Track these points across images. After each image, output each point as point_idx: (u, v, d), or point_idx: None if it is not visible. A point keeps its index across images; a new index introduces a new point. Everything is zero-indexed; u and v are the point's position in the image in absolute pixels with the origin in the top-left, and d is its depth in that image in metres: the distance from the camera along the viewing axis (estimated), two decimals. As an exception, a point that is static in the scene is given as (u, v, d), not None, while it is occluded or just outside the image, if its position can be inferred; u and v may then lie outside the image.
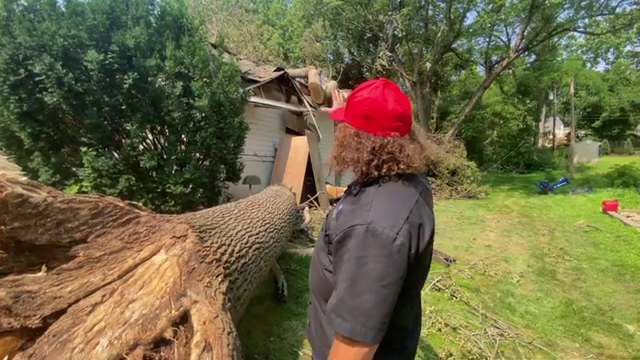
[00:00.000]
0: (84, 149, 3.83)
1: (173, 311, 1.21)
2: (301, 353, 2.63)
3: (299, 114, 9.63)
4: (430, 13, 17.11)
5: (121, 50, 3.78)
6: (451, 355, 2.65)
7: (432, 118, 22.18)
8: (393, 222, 0.86)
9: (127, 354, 1.04)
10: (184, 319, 1.22)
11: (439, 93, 24.21)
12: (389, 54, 16.56)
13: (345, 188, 1.13)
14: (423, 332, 2.97)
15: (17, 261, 1.31)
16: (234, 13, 17.17)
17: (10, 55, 3.53)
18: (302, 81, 10.37)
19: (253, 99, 7.14)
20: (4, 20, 3.67)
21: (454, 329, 3.03)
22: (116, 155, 4.09)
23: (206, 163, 4.76)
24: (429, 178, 11.76)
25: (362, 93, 0.98)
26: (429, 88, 19.90)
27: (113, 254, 1.42)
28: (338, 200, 1.15)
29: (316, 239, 1.22)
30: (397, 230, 0.85)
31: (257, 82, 8.03)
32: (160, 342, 1.12)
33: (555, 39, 16.80)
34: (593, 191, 11.76)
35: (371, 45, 19.66)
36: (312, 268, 1.16)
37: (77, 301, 1.22)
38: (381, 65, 16.25)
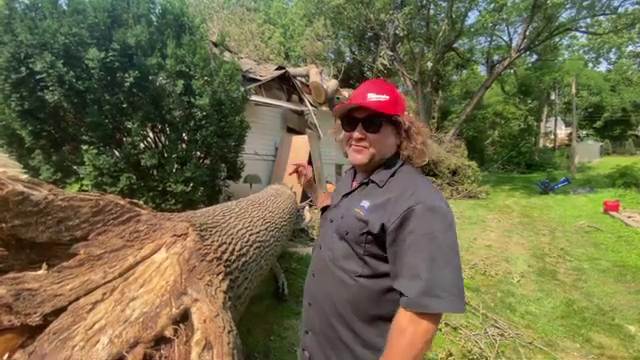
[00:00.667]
0: (85, 147, 3.83)
1: (174, 309, 1.21)
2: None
3: (300, 113, 9.63)
4: (432, 12, 17.08)
5: (122, 48, 3.77)
6: (451, 355, 2.65)
7: (433, 118, 22.15)
8: (439, 197, 0.96)
9: (127, 352, 1.04)
10: (185, 317, 1.22)
11: (440, 93, 24.18)
12: (390, 53, 16.54)
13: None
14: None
15: (18, 259, 1.31)
16: (235, 11, 17.15)
17: (12, 53, 3.53)
18: (303, 80, 10.37)
19: (254, 98, 7.13)
20: (6, 18, 3.67)
21: (454, 329, 3.03)
22: (117, 153, 4.09)
23: (207, 162, 4.75)
24: (429, 178, 11.74)
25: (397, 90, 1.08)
26: (430, 88, 19.86)
27: (114, 252, 1.42)
28: (345, 197, 1.14)
29: (315, 238, 1.27)
30: (445, 203, 0.94)
31: (258, 81, 8.02)
32: (161, 340, 1.12)
33: (557, 39, 16.75)
34: (594, 191, 11.74)
35: (372, 44, 19.63)
36: (328, 287, 1.04)
37: (78, 299, 1.22)
38: (382, 64, 16.23)
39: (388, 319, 0.92)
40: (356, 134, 1.05)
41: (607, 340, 3.10)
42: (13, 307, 1.14)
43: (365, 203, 1.01)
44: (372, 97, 1.02)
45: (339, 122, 1.13)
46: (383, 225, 0.94)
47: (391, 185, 1.01)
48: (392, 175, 1.04)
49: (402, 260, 0.90)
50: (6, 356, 1.12)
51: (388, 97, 1.03)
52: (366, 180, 1.09)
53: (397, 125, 1.05)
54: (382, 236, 0.95)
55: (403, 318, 0.87)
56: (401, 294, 0.89)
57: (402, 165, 1.06)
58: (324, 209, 1.25)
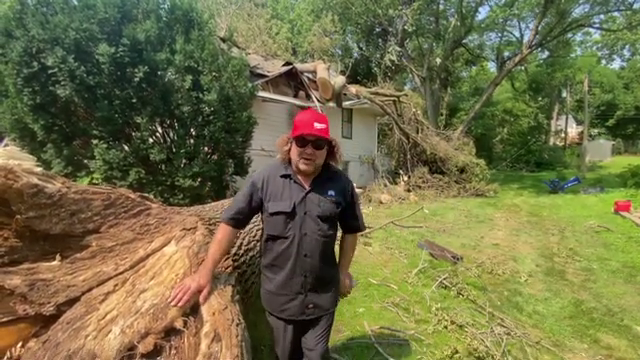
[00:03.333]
0: (95, 142, 3.89)
1: (183, 302, 1.23)
2: (307, 347, 2.65)
3: (307, 109, 9.61)
4: (441, 7, 16.86)
5: (132, 44, 3.81)
6: (457, 352, 2.64)
7: (441, 115, 21.95)
8: None
9: (139, 342, 1.06)
10: (194, 310, 1.23)
11: (449, 89, 23.91)
12: (398, 49, 16.39)
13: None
14: (429, 329, 2.97)
15: (32, 250, 1.34)
16: (243, 7, 17.12)
17: (24, 48, 3.58)
18: (310, 76, 10.33)
19: (261, 94, 7.14)
20: (18, 13, 3.73)
21: (460, 327, 3.02)
22: (126, 148, 4.14)
23: (214, 157, 4.79)
24: (437, 175, 11.66)
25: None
26: (439, 84, 19.65)
27: (125, 245, 1.44)
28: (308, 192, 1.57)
29: (280, 233, 1.55)
30: None
31: (265, 77, 8.02)
32: (171, 331, 1.14)
33: (569, 35, 16.42)
34: (605, 191, 11.55)
35: (380, 40, 19.46)
36: (317, 247, 1.54)
37: (90, 290, 1.24)
38: (390, 60, 16.10)
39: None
40: (309, 151, 1.48)
41: (615, 341, 3.06)
42: (28, 297, 1.17)
43: (331, 192, 1.58)
44: (317, 125, 1.47)
45: (284, 137, 1.58)
46: (348, 201, 1.64)
47: (336, 178, 1.63)
48: (335, 173, 1.64)
49: (356, 208, 1.71)
50: (20, 344, 1.15)
51: (325, 125, 1.49)
52: (319, 179, 1.58)
53: (329, 143, 1.56)
54: (345, 207, 1.62)
55: (355, 237, 1.79)
56: (353, 227, 1.73)
57: (332, 166, 1.65)
58: (277, 213, 1.53)
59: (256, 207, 1.56)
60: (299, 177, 1.56)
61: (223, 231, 1.51)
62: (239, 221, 1.54)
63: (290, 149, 1.55)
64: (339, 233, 1.73)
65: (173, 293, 1.25)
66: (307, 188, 1.55)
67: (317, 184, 1.56)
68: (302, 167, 1.51)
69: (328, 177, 1.60)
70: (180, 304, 1.21)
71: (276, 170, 1.58)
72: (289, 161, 1.57)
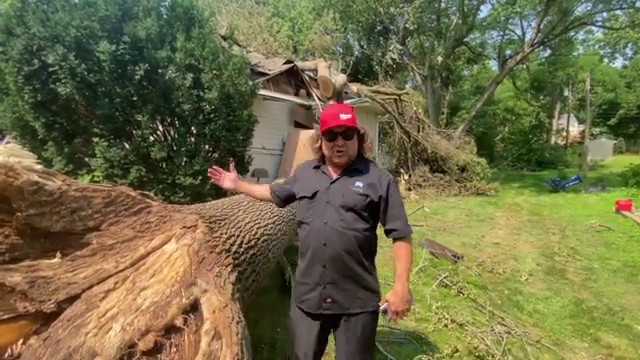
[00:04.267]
0: (96, 139, 3.89)
1: (183, 299, 1.23)
2: (307, 345, 2.65)
3: (308, 107, 9.60)
4: (443, 5, 16.80)
5: (132, 41, 3.79)
6: (457, 351, 2.64)
7: (442, 113, 21.89)
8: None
9: (139, 339, 1.06)
10: (194, 307, 1.23)
11: (450, 88, 23.84)
12: (400, 47, 16.35)
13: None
14: (429, 327, 2.97)
15: (32, 247, 1.34)
16: (244, 5, 17.07)
17: (24, 45, 3.57)
18: (311, 74, 10.31)
19: (262, 92, 7.13)
20: (18, 11, 3.71)
21: (460, 325, 3.02)
22: (127, 146, 4.13)
23: (215, 155, 4.78)
24: (437, 174, 11.64)
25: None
26: (440, 83, 19.60)
27: (125, 242, 1.44)
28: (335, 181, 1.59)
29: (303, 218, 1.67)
30: None
31: (266, 75, 8.01)
32: (171, 329, 1.14)
33: (572, 33, 16.34)
34: (606, 190, 11.52)
35: (381, 38, 19.39)
36: (338, 238, 1.49)
37: (91, 287, 1.24)
38: (391, 59, 16.05)
39: (374, 255, 1.63)
40: (339, 143, 1.53)
41: (616, 340, 3.06)
42: (28, 294, 1.17)
43: (359, 184, 1.54)
44: (343, 116, 1.50)
45: (313, 133, 1.69)
46: (380, 195, 1.55)
47: (367, 170, 1.59)
48: (367, 165, 1.62)
49: (390, 210, 1.57)
50: (21, 341, 1.16)
51: (350, 115, 1.52)
52: (347, 171, 1.59)
53: (358, 132, 1.59)
54: (378, 202, 1.55)
55: (402, 244, 1.56)
56: (392, 230, 1.56)
57: (365, 159, 1.66)
58: (302, 197, 1.63)
59: (293, 193, 1.72)
60: (328, 168, 1.63)
61: (265, 189, 1.86)
62: (276, 196, 1.80)
63: (321, 145, 1.62)
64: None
65: (216, 176, 1.93)
66: (333, 178, 1.58)
67: (345, 174, 1.58)
68: (336, 160, 1.56)
69: (358, 169, 1.59)
70: (218, 180, 1.90)
71: (311, 163, 1.72)
72: (322, 158, 1.66)
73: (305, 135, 8.50)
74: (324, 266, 1.51)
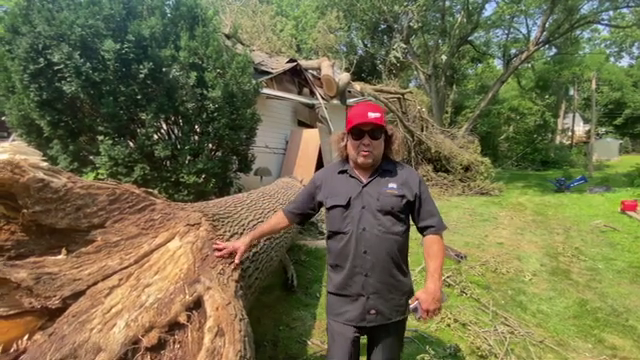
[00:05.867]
0: (101, 138, 3.91)
1: (187, 296, 1.24)
2: (309, 342, 2.66)
3: (311, 106, 9.59)
4: (447, 4, 16.70)
5: (137, 40, 3.81)
6: (460, 350, 2.64)
7: (446, 112, 21.79)
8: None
9: (143, 336, 1.07)
10: (197, 304, 1.24)
11: (454, 87, 23.72)
12: (404, 46, 16.28)
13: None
14: (432, 327, 2.97)
15: (38, 244, 1.35)
16: (247, 3, 17.07)
17: (30, 44, 3.60)
18: (315, 73, 10.30)
19: (265, 91, 7.13)
20: (24, 9, 3.74)
21: (463, 325, 3.01)
22: (131, 144, 4.16)
23: (218, 154, 4.79)
24: (441, 174, 11.60)
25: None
26: (444, 82, 19.51)
27: (129, 239, 1.45)
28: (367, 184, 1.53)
29: (325, 232, 1.65)
30: None
31: (270, 73, 8.01)
32: (174, 326, 1.15)
33: (578, 32, 16.19)
34: (612, 190, 11.40)
35: (385, 37, 19.32)
36: (378, 244, 1.45)
37: (95, 284, 1.25)
38: (395, 57, 16.00)
39: (408, 256, 1.58)
40: (366, 142, 1.46)
41: (620, 341, 3.04)
42: (34, 290, 1.19)
43: (392, 185, 1.50)
44: (371, 115, 1.43)
45: (339, 134, 1.61)
46: (415, 194, 1.50)
47: (397, 170, 1.55)
48: (395, 165, 1.58)
49: (425, 207, 1.52)
50: (26, 337, 1.17)
51: (379, 114, 1.45)
52: (377, 172, 1.53)
53: (385, 134, 1.53)
54: (414, 201, 1.50)
55: (435, 239, 1.51)
56: (428, 226, 1.52)
57: (391, 159, 1.59)
58: (334, 206, 1.54)
59: (315, 205, 1.63)
60: (356, 171, 1.54)
61: (278, 217, 1.69)
62: (295, 215, 1.67)
63: (346, 145, 1.55)
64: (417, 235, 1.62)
65: (218, 253, 1.52)
66: (364, 181, 1.51)
67: (375, 177, 1.52)
68: (361, 160, 1.48)
69: (387, 169, 1.53)
70: (217, 254, 1.51)
71: (334, 167, 1.61)
72: (347, 158, 1.58)
73: (308, 134, 8.50)
74: (366, 275, 1.45)
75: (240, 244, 1.60)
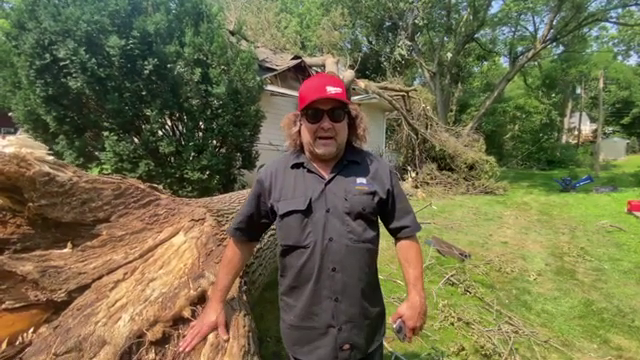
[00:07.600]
0: (106, 134, 3.93)
1: (191, 291, 1.24)
2: (312, 340, 2.66)
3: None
4: (453, 1, 16.55)
5: (142, 36, 3.82)
6: (463, 349, 2.62)
7: (451, 110, 21.64)
8: None
9: (147, 330, 1.08)
10: (202, 299, 1.24)
11: (459, 85, 23.55)
12: (408, 43, 16.17)
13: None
14: (435, 325, 2.96)
15: (44, 237, 1.36)
16: (252, 0, 17.06)
17: (36, 40, 3.62)
18: (319, 70, 10.27)
19: (270, 87, 7.13)
20: (30, 5, 3.76)
21: (467, 324, 3.00)
22: (136, 140, 4.17)
23: (222, 150, 4.80)
24: (445, 172, 11.54)
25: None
26: (449, 79, 19.38)
27: (134, 234, 1.46)
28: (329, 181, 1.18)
29: (293, 243, 1.16)
30: None
31: (274, 70, 8.00)
32: (179, 320, 1.15)
33: (585, 30, 15.97)
34: (618, 190, 11.30)
35: (390, 34, 19.21)
36: (349, 257, 1.13)
37: (100, 277, 1.26)
38: (400, 55, 15.90)
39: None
40: (325, 125, 1.12)
41: (626, 342, 3.01)
42: (39, 283, 1.19)
43: (361, 180, 1.18)
44: (331, 90, 1.09)
45: (290, 115, 1.23)
46: (388, 189, 1.20)
47: (366, 161, 1.23)
48: (363, 155, 1.25)
49: (399, 204, 1.24)
50: (32, 330, 1.17)
51: (341, 89, 1.12)
52: (342, 165, 1.20)
53: (349, 114, 1.19)
54: (387, 198, 1.20)
55: (412, 243, 1.25)
56: (403, 227, 1.23)
57: (355, 147, 1.26)
58: (289, 212, 1.16)
59: (267, 211, 1.22)
60: (314, 165, 1.19)
61: (231, 247, 1.24)
62: (246, 231, 1.24)
63: (300, 130, 1.19)
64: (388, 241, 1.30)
65: (183, 343, 1.09)
66: (327, 177, 1.17)
67: (340, 171, 1.18)
68: (320, 150, 1.14)
69: (353, 160, 1.21)
70: (188, 349, 1.07)
71: (285, 161, 1.23)
72: (301, 147, 1.22)
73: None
74: (336, 299, 1.12)
75: (214, 315, 1.15)
